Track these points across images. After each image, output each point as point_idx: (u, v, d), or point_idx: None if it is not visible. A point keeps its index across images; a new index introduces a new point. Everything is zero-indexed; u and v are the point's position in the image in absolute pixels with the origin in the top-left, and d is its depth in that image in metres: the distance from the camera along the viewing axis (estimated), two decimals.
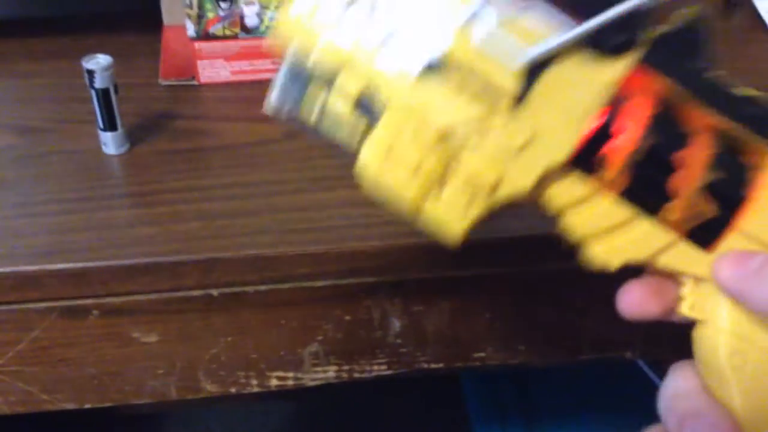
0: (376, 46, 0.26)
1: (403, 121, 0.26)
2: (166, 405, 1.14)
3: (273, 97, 0.27)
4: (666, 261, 0.27)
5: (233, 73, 0.52)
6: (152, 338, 0.42)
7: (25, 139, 0.47)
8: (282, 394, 1.16)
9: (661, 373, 0.79)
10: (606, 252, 0.27)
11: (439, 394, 1.06)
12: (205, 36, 0.50)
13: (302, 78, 0.27)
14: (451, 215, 0.27)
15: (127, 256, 0.38)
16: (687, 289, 0.28)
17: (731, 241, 0.27)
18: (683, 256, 0.27)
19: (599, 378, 0.78)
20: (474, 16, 0.26)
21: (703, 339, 0.28)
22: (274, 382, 0.45)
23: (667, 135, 0.26)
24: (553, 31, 0.26)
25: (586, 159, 0.27)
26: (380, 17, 0.26)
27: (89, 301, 0.40)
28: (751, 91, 0.27)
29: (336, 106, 0.27)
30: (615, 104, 0.26)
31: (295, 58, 0.27)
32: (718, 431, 0.26)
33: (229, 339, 0.43)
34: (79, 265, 0.38)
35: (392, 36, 0.26)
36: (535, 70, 0.26)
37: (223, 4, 0.48)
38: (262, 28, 0.50)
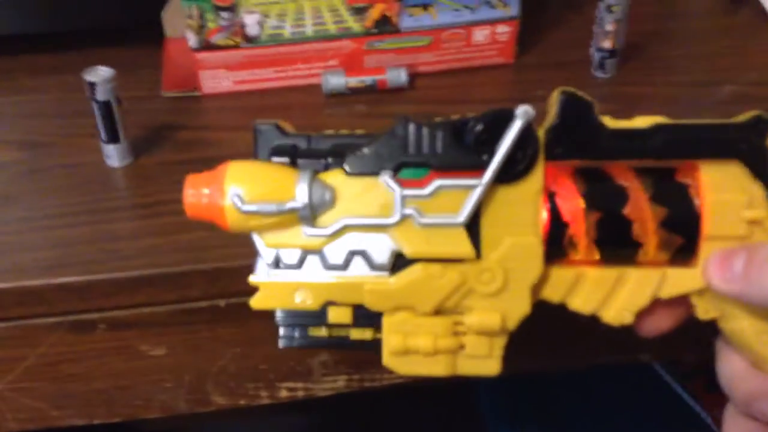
0: (343, 267, 0.30)
1: (401, 323, 0.30)
2: (174, 421, 1.13)
3: (281, 343, 0.31)
4: (666, 292, 0.30)
5: (235, 83, 0.51)
6: (160, 351, 0.42)
7: (29, 154, 0.46)
8: (290, 407, 1.16)
9: (677, 376, 0.78)
10: (617, 314, 0.30)
11: (453, 401, 1.05)
12: (206, 46, 0.49)
13: (298, 320, 0.31)
14: (482, 362, 0.31)
15: (133, 267, 0.38)
16: (695, 300, 0.30)
17: (706, 249, 0.29)
18: (677, 282, 0.30)
19: (614, 382, 0.77)
20: (402, 216, 0.29)
21: (728, 331, 0.30)
22: (284, 393, 0.45)
23: (605, 198, 0.29)
24: (460, 192, 0.29)
25: (556, 251, 0.30)
26: (332, 248, 0.30)
27: (95, 315, 0.39)
28: (658, 119, 0.29)
29: (340, 333, 0.31)
30: (551, 200, 0.29)
31: (281, 309, 0.31)
32: None
33: (238, 350, 0.42)
34: (85, 278, 0.38)
35: (352, 254, 0.30)
36: (472, 224, 0.29)
37: (224, 14, 0.48)
38: (264, 37, 0.50)
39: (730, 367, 0.30)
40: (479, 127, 0.28)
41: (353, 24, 0.50)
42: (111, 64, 0.43)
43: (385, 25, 0.50)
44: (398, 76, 0.50)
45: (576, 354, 0.47)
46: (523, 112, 0.27)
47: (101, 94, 0.42)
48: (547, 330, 0.45)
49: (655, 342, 0.47)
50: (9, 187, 0.44)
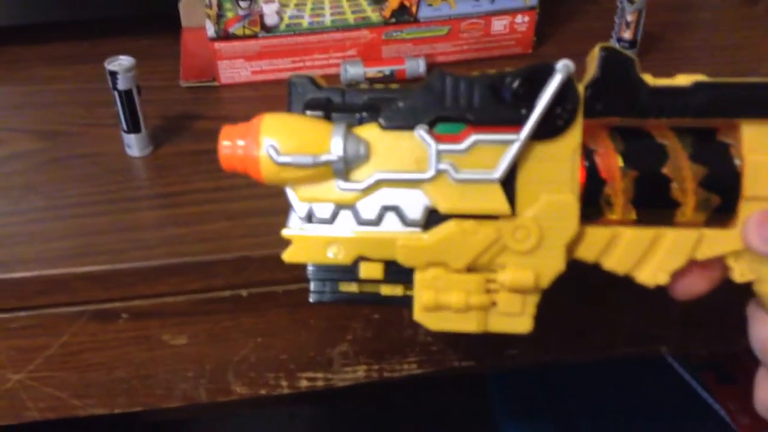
0: (376, 222, 0.30)
1: (433, 279, 0.30)
2: (189, 412, 1.13)
3: (311, 298, 0.31)
4: (702, 253, 0.30)
5: (253, 72, 0.51)
6: (182, 340, 0.42)
7: (49, 144, 0.46)
8: (306, 398, 1.16)
9: (689, 368, 0.78)
10: (651, 274, 0.30)
11: (463, 394, 1.05)
12: (225, 36, 0.49)
13: (329, 274, 0.31)
14: (514, 320, 0.30)
15: (157, 256, 0.38)
16: (731, 262, 0.30)
17: (745, 210, 0.29)
18: (714, 243, 0.29)
19: (627, 374, 0.77)
20: (437, 172, 0.29)
21: (764, 294, 0.30)
22: (303, 383, 0.45)
23: (644, 156, 0.29)
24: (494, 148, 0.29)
25: (592, 210, 0.29)
26: (365, 203, 0.30)
27: (118, 304, 0.39)
28: (700, 77, 0.29)
29: (370, 288, 0.31)
30: (588, 158, 0.29)
31: (312, 261, 0.31)
32: None
33: (259, 340, 0.42)
34: (108, 267, 0.38)
35: (385, 209, 0.30)
36: (507, 181, 0.29)
37: (242, 3, 0.48)
38: (282, 26, 0.49)
39: (764, 332, 0.30)
40: (518, 81, 0.28)
41: (371, 14, 0.50)
42: (127, 53, 0.43)
43: (403, 15, 0.50)
44: (416, 66, 0.50)
45: (595, 345, 0.47)
46: (563, 66, 0.27)
47: (123, 84, 0.42)
48: (566, 321, 0.45)
49: (674, 334, 0.47)
50: (30, 176, 0.44)
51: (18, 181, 0.43)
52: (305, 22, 0.49)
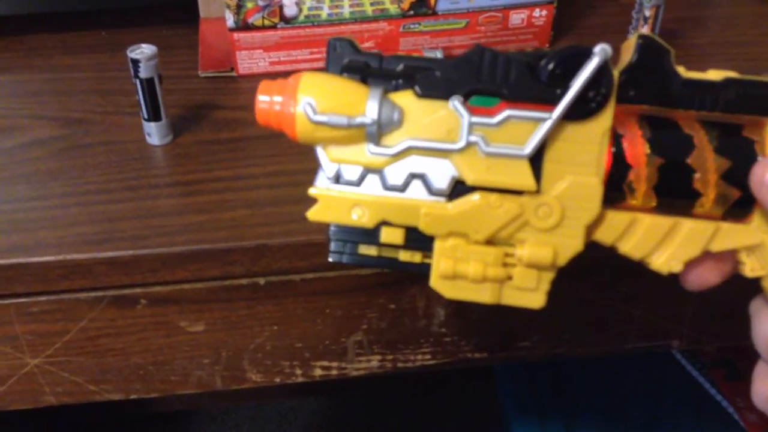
0: (402, 189, 0.30)
1: (453, 248, 0.30)
2: (195, 402, 1.14)
3: (331, 257, 0.31)
4: (717, 246, 0.30)
5: (272, 63, 0.52)
6: (199, 327, 0.42)
7: (70, 131, 0.47)
8: (311, 389, 1.16)
9: (699, 365, 0.78)
10: (666, 262, 0.30)
11: (472, 387, 1.05)
12: (244, 26, 0.50)
13: (350, 236, 0.31)
14: (528, 295, 0.31)
15: (177, 243, 0.38)
16: (743, 257, 0.31)
17: (761, 208, 0.29)
18: (729, 236, 0.30)
19: (635, 370, 0.77)
20: (467, 143, 0.29)
21: None
22: (318, 372, 0.45)
23: (670, 145, 0.29)
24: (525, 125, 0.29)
25: (615, 194, 0.30)
26: (393, 169, 0.30)
27: (138, 290, 0.40)
28: (731, 73, 0.29)
29: (389, 254, 0.31)
30: (616, 142, 0.29)
31: (336, 222, 0.31)
32: None
33: (275, 328, 0.43)
34: (130, 252, 0.38)
35: (412, 177, 0.30)
36: (534, 158, 0.29)
37: None
38: (301, 17, 0.50)
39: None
40: (555, 61, 0.28)
41: (390, 6, 0.50)
42: (146, 43, 0.44)
43: (421, 8, 0.50)
44: None
45: (607, 339, 0.47)
46: (601, 50, 0.27)
47: (145, 72, 0.42)
48: (579, 314, 0.46)
49: (686, 328, 0.47)
50: (51, 162, 0.44)
51: (39, 167, 0.44)
52: (324, 13, 0.50)
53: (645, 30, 0.50)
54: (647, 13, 0.49)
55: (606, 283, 0.44)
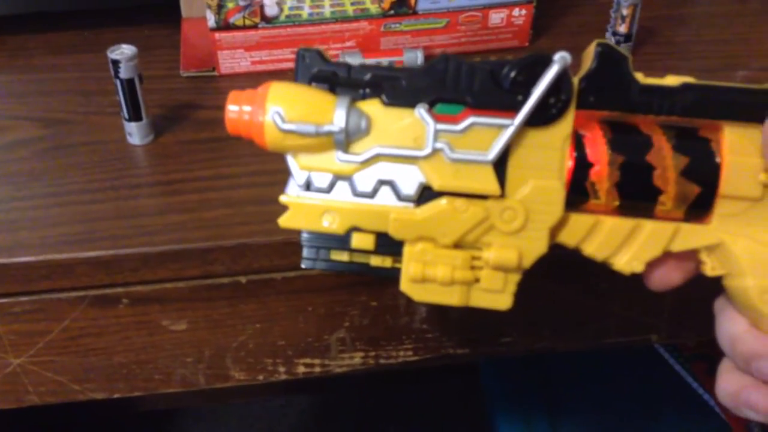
0: (371, 195, 0.31)
1: (421, 252, 0.31)
2: (182, 401, 1.14)
3: (303, 264, 0.32)
4: (678, 246, 0.31)
5: (253, 63, 0.52)
6: (181, 326, 0.42)
7: (51, 131, 0.47)
8: (299, 387, 1.17)
9: (682, 360, 0.79)
10: (628, 262, 0.31)
11: (457, 382, 1.06)
12: (225, 26, 0.50)
13: (322, 242, 0.32)
14: (495, 296, 0.32)
15: (158, 242, 0.38)
16: (704, 256, 0.31)
17: (721, 207, 0.30)
18: (689, 237, 0.31)
19: (618, 364, 0.78)
20: (433, 150, 0.30)
21: (732, 288, 0.31)
22: (301, 369, 0.46)
23: (630, 144, 0.30)
24: (491, 132, 0.30)
25: (577, 198, 0.31)
26: (362, 175, 0.31)
27: (119, 290, 0.40)
28: (688, 79, 0.30)
29: (361, 259, 0.32)
30: (577, 143, 0.30)
31: (307, 228, 0.31)
32: None
33: (257, 326, 0.43)
34: (111, 252, 0.38)
35: (381, 183, 0.31)
36: (499, 163, 0.30)
37: None
38: (282, 17, 0.50)
39: (731, 327, 0.31)
40: (517, 69, 0.29)
41: (371, 5, 0.50)
42: (128, 43, 0.44)
43: (402, 7, 0.51)
44: (415, 58, 0.51)
45: (588, 334, 0.48)
46: (560, 58, 0.28)
47: (125, 73, 0.42)
48: (560, 309, 0.46)
49: (664, 323, 0.48)
50: (33, 163, 0.44)
51: (21, 168, 0.44)
52: (305, 13, 0.50)
53: (623, 28, 0.50)
54: (625, 12, 0.49)
55: (584, 280, 0.45)
